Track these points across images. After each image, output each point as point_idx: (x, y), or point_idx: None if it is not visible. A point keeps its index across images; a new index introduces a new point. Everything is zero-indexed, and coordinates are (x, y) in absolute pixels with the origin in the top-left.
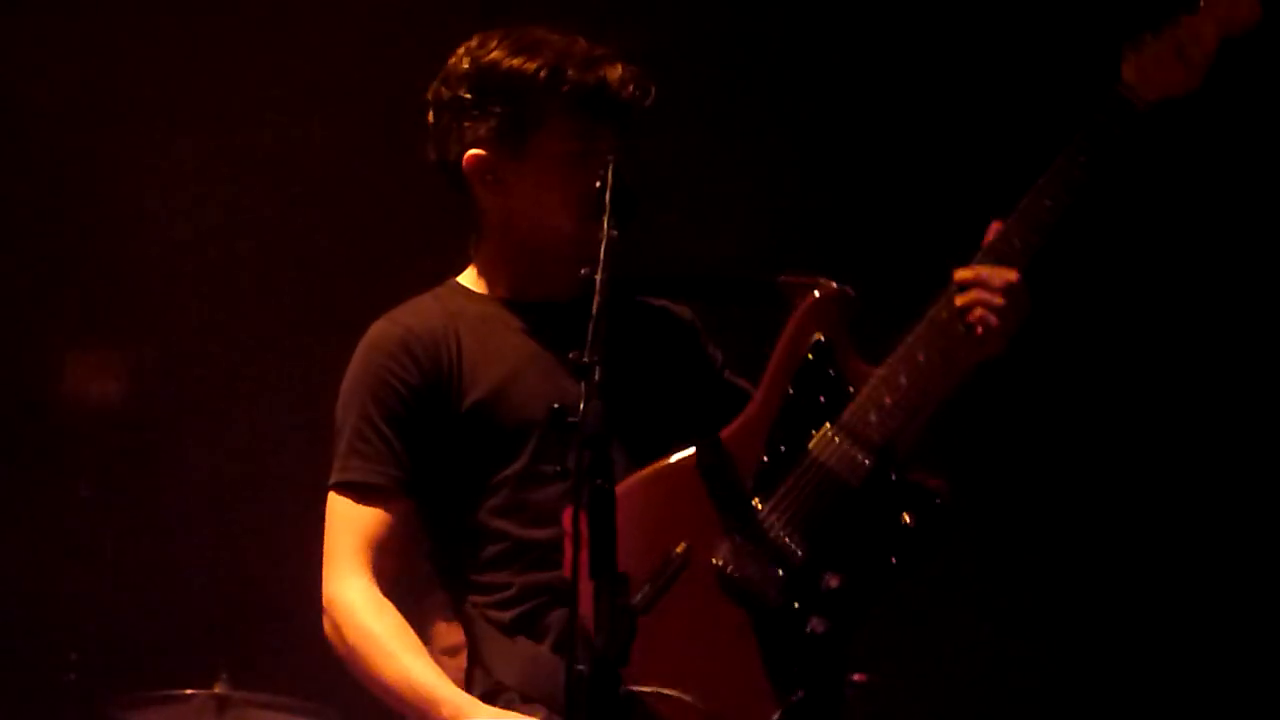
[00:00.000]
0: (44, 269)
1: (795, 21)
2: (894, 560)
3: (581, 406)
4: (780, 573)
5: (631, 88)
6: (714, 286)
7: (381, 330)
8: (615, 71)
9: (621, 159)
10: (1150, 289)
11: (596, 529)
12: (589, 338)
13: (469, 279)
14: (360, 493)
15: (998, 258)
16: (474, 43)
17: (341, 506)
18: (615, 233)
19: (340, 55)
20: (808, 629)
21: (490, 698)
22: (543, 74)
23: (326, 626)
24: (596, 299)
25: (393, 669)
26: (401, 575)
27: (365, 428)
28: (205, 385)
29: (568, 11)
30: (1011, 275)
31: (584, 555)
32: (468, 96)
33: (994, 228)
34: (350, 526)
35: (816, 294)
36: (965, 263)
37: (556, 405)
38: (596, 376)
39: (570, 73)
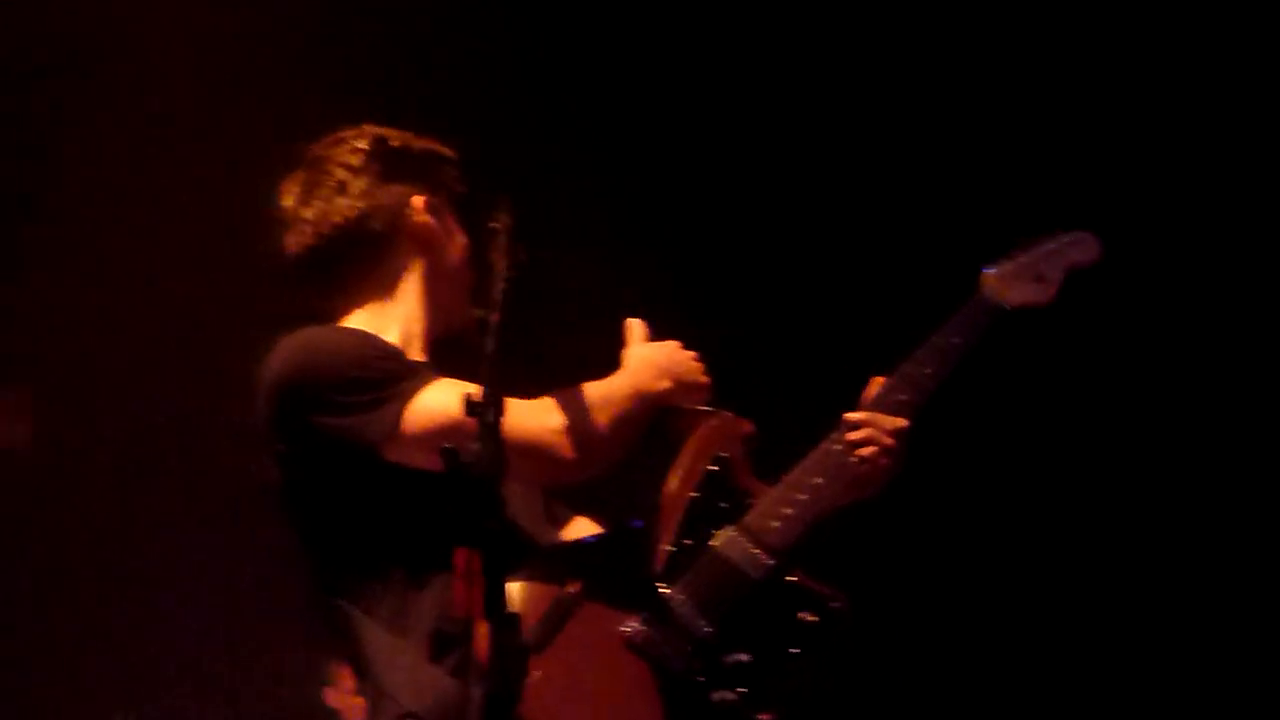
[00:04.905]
0: None
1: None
2: (795, 652)
3: (475, 448)
4: (686, 647)
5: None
6: None
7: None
8: None
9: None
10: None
11: (489, 569)
12: (483, 378)
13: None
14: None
15: (886, 408)
16: (364, 132)
17: (438, 395)
18: (512, 274)
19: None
20: (715, 698)
21: None
22: (450, 154)
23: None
24: (491, 341)
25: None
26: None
27: (399, 358)
28: (115, 428)
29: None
30: (901, 422)
31: (476, 594)
32: (396, 160)
33: (875, 382)
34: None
35: (718, 418)
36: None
37: (448, 445)
38: (490, 419)
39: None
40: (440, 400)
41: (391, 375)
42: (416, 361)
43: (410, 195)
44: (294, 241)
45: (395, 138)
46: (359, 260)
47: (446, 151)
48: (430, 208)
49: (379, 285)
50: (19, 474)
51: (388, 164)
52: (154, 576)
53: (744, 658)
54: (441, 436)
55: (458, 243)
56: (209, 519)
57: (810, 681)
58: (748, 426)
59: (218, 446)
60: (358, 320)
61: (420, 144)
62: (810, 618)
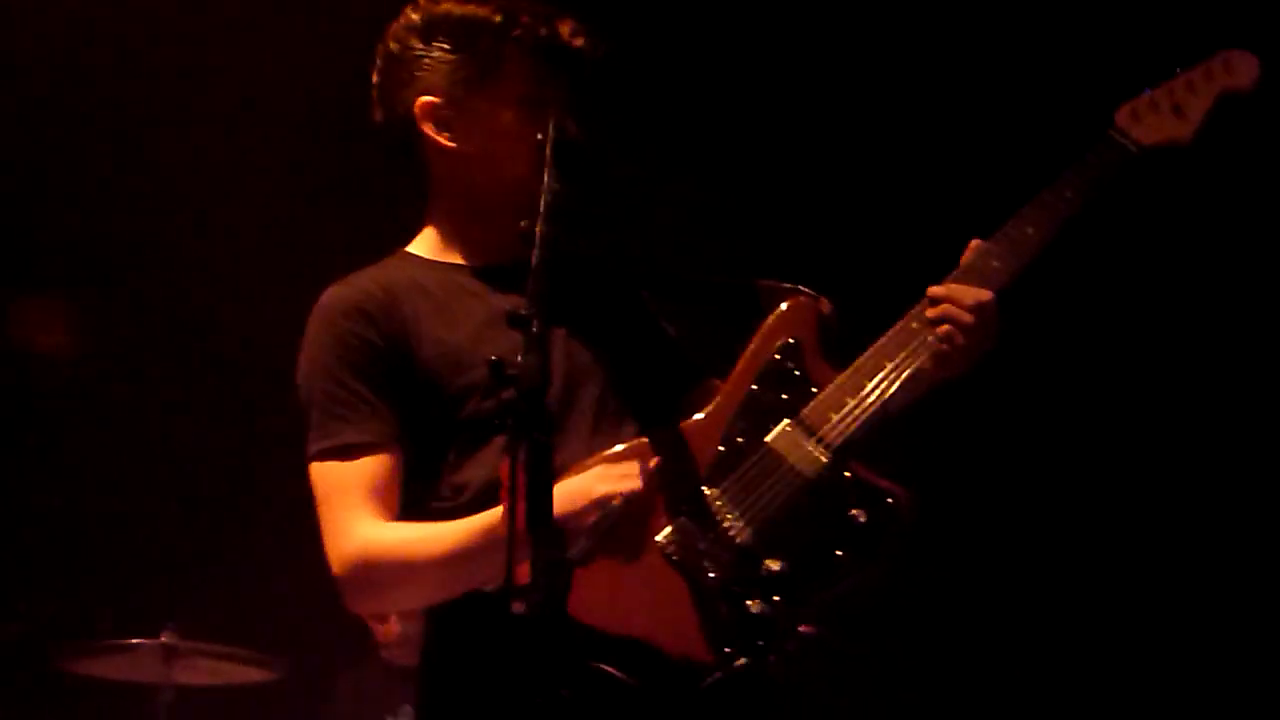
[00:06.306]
0: None
1: (789, 28)
2: (840, 554)
3: (519, 359)
4: (722, 555)
5: (583, 39)
6: (692, 286)
7: (335, 294)
8: (565, 24)
9: (572, 112)
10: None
11: (534, 481)
12: (529, 290)
13: (421, 247)
14: (349, 453)
15: (976, 277)
16: (420, 1)
17: (331, 472)
18: (557, 186)
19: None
20: (746, 609)
21: None
22: (497, 18)
23: (354, 581)
24: (536, 252)
25: (451, 538)
26: None
27: (339, 391)
28: (155, 335)
29: None
30: (984, 295)
31: (520, 507)
32: (419, 45)
33: (973, 245)
34: (346, 488)
35: (793, 299)
36: (941, 279)
37: (494, 358)
38: (535, 329)
39: (524, 19)
40: (329, 473)
41: (318, 412)
42: (355, 401)
43: (412, 100)
44: None
45: (415, 20)
46: (411, 173)
47: (483, 11)
48: (429, 109)
49: (433, 195)
50: (59, 380)
51: (410, 55)
52: (193, 485)
53: (777, 566)
54: (318, 497)
55: (489, 125)
56: (245, 427)
57: (855, 588)
58: (825, 306)
59: (258, 355)
60: (425, 235)
61: (463, 10)
62: (860, 517)
